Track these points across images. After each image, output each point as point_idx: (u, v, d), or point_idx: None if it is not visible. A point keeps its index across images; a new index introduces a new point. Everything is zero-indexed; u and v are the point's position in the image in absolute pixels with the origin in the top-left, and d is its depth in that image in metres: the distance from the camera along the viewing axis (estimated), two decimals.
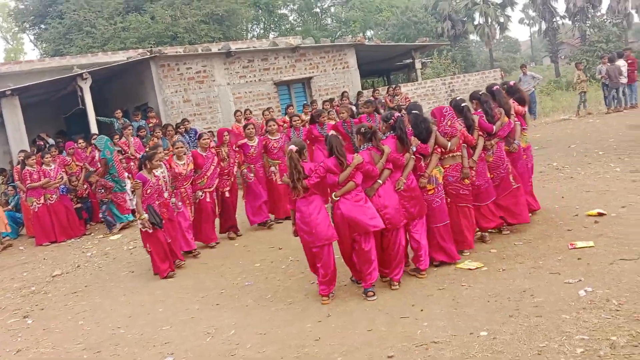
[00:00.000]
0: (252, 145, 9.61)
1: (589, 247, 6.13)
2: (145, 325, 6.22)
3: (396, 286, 6.04)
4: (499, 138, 7.12)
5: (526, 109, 7.86)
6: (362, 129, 6.20)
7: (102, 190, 11.17)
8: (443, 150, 6.53)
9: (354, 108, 12.45)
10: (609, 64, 17.54)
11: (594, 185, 8.61)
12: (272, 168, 9.73)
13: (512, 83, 8.02)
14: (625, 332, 4.19)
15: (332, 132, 6.43)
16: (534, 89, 19.81)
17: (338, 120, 10.93)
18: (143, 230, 7.73)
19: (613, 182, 8.63)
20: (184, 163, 8.54)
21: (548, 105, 24.98)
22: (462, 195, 6.71)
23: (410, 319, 5.17)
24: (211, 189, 8.94)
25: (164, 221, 7.83)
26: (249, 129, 9.64)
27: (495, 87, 7.47)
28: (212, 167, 8.90)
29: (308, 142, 10.11)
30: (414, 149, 6.33)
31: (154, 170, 7.86)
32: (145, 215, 7.60)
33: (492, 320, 4.80)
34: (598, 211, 7.22)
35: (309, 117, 15.19)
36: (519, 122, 7.44)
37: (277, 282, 7.01)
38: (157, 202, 7.82)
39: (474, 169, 6.84)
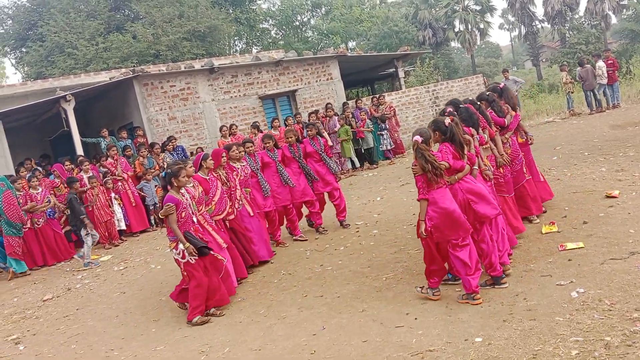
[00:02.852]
0: (239, 168, 8.48)
1: (579, 248, 6.17)
2: (139, 346, 6.17)
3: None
4: (511, 131, 7.44)
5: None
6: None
7: None
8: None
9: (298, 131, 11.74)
10: (579, 67, 17.80)
11: (581, 186, 8.66)
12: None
13: (501, 85, 8.10)
14: (619, 332, 4.21)
15: (447, 120, 6.00)
16: (517, 93, 19.98)
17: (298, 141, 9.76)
18: (184, 261, 6.44)
19: (600, 182, 8.69)
20: (193, 185, 7.14)
21: (532, 109, 25.18)
22: (502, 184, 6.91)
23: (405, 328, 5.16)
24: (222, 216, 7.63)
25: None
26: (239, 149, 8.56)
27: (501, 85, 7.83)
28: (218, 192, 7.64)
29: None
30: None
31: (182, 190, 6.66)
32: (188, 244, 6.39)
33: (487, 326, 4.81)
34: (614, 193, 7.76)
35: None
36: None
37: (270, 296, 6.98)
38: (192, 229, 6.63)
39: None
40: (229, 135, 13.96)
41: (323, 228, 9.56)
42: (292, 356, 5.10)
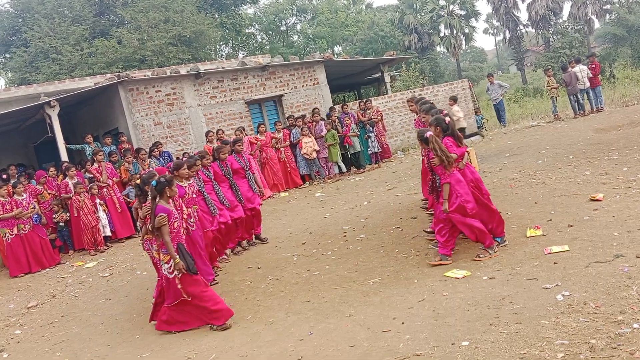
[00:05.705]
0: (184, 187, 7.89)
1: (564, 251, 6.21)
2: (125, 353, 6.12)
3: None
4: None
5: None
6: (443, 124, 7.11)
7: None
8: None
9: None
10: (562, 71, 17.94)
11: (566, 190, 8.72)
12: None
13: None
14: (604, 335, 4.24)
15: (447, 118, 7.15)
16: (502, 97, 20.13)
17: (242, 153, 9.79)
18: (172, 276, 6.31)
19: (584, 186, 8.75)
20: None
21: (517, 113, 25.38)
22: None
23: (392, 332, 5.16)
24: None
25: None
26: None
27: None
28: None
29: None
30: None
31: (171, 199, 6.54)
32: (178, 259, 6.23)
33: (473, 330, 4.82)
34: (599, 196, 7.92)
35: (280, 135, 15.26)
36: None
37: (257, 302, 6.96)
38: (183, 241, 6.52)
39: None
40: (216, 141, 13.92)
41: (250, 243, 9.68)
42: None
